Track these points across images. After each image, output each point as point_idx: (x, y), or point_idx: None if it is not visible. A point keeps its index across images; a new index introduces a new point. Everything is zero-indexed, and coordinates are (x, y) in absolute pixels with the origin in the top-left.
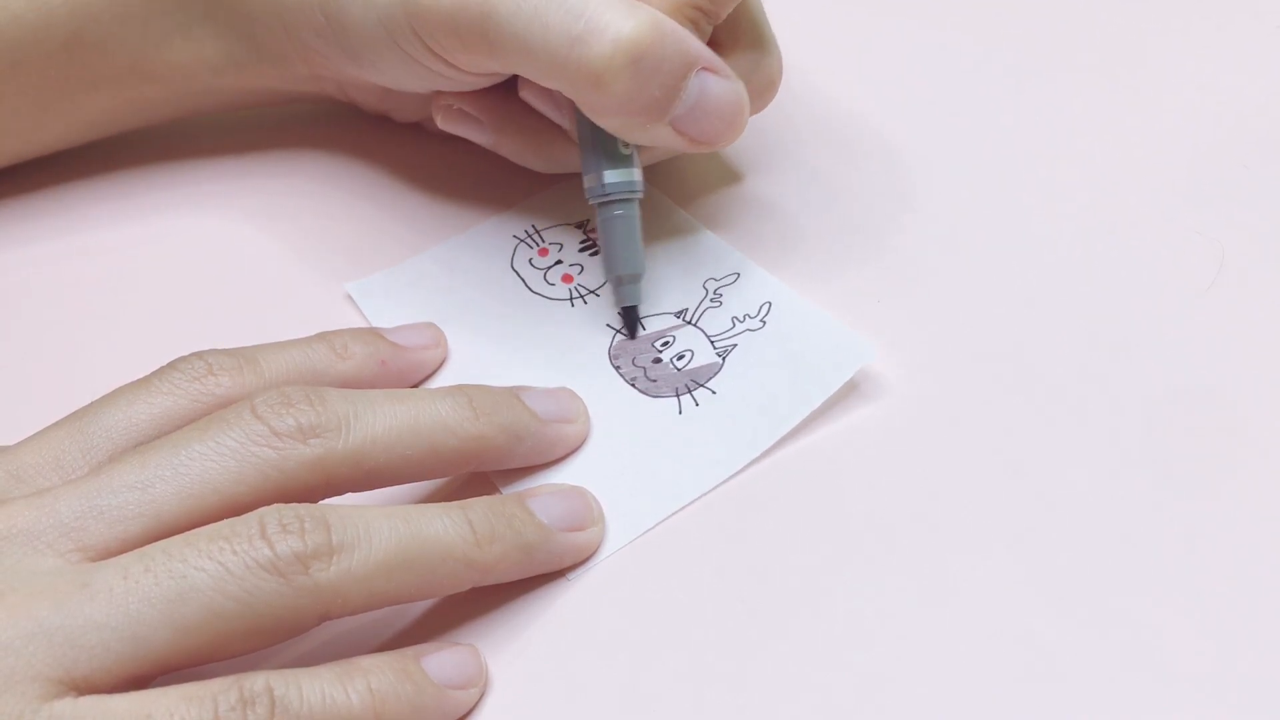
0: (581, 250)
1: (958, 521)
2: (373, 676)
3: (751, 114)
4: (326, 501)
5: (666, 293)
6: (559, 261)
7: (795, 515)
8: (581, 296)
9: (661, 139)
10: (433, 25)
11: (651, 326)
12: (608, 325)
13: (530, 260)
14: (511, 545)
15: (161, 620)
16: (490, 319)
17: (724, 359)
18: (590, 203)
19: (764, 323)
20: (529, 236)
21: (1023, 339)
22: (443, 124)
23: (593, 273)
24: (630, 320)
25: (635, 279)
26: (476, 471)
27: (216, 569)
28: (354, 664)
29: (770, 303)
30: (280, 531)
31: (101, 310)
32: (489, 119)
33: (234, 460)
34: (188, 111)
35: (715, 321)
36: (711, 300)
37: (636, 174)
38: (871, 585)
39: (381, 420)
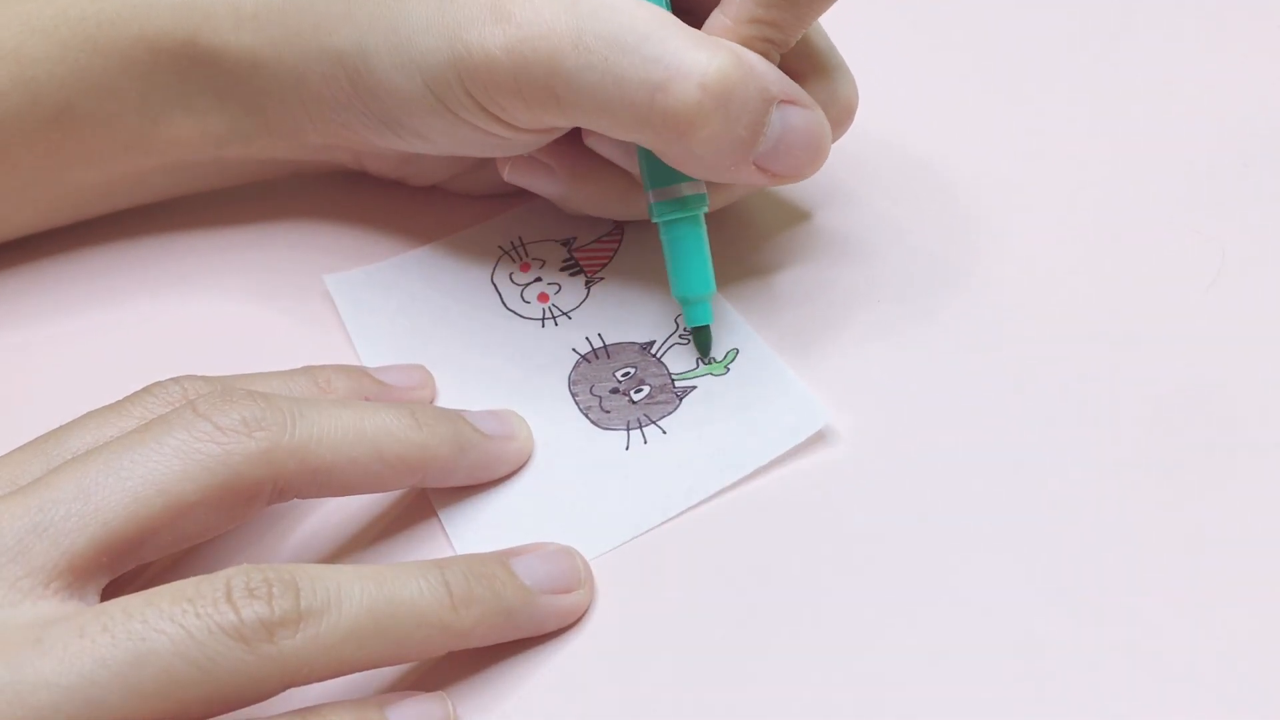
0: (563, 269)
1: (958, 520)
2: None
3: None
4: (298, 564)
5: (635, 323)
6: (538, 279)
7: (786, 530)
8: (554, 318)
9: (744, 178)
10: (490, 85)
11: (616, 356)
12: (573, 350)
13: (511, 275)
14: (490, 609)
15: (116, 684)
16: (458, 332)
17: (680, 399)
18: (654, 221)
19: (727, 370)
20: (513, 249)
21: (1025, 337)
22: (510, 175)
23: (569, 293)
24: (703, 340)
25: (706, 299)
26: (420, 491)
27: (177, 632)
28: (313, 711)
29: (738, 350)
30: (246, 596)
31: (81, 370)
32: (562, 166)
33: (178, 459)
34: (185, 187)
35: (679, 360)
36: (680, 337)
37: (702, 186)
38: (864, 595)
39: (327, 420)
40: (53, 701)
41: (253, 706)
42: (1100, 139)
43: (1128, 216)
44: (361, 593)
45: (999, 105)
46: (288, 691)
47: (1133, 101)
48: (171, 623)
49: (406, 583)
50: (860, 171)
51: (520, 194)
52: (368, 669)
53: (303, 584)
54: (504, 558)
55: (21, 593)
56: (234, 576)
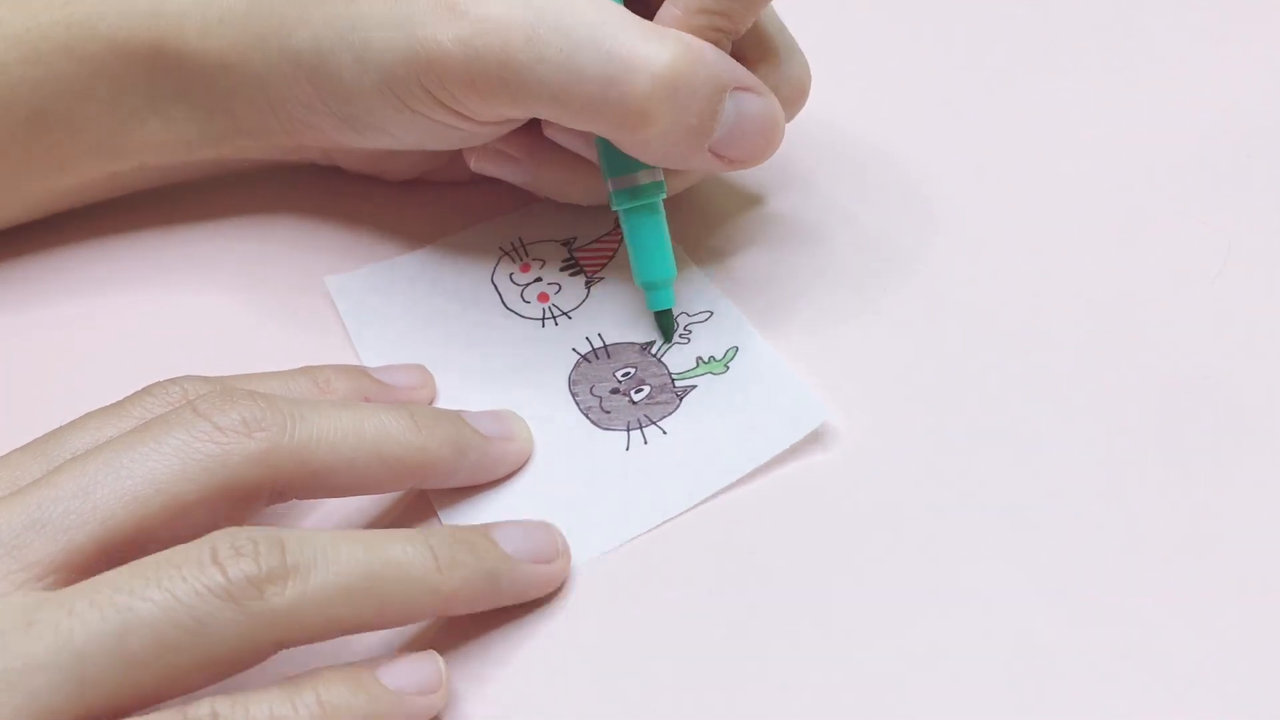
0: (563, 270)
1: (957, 519)
2: (322, 689)
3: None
4: (282, 527)
5: (635, 323)
6: (538, 279)
7: (786, 530)
8: (554, 318)
9: (699, 164)
10: (445, 79)
11: (616, 356)
12: (573, 350)
13: (511, 275)
14: (474, 572)
15: (109, 657)
16: (459, 332)
17: (680, 399)
18: (614, 209)
19: (727, 368)
20: (514, 250)
21: (1031, 329)
22: (477, 166)
23: (569, 293)
24: (666, 324)
25: (667, 284)
26: (420, 491)
27: (165, 598)
28: (304, 678)
29: (737, 348)
30: (233, 555)
31: (79, 373)
32: (527, 156)
33: (178, 458)
34: (158, 184)
35: (680, 359)
36: (680, 336)
37: (659, 174)
38: (864, 595)
39: (327, 420)
40: (49, 683)
41: (246, 678)
42: (1105, 130)
43: (1133, 208)
44: (349, 551)
45: (1001, 101)
46: (281, 668)
47: (1137, 92)
48: (159, 589)
49: (392, 545)
50: (863, 173)
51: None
52: (357, 630)
53: (289, 542)
54: (485, 529)
55: (14, 584)
56: (219, 538)
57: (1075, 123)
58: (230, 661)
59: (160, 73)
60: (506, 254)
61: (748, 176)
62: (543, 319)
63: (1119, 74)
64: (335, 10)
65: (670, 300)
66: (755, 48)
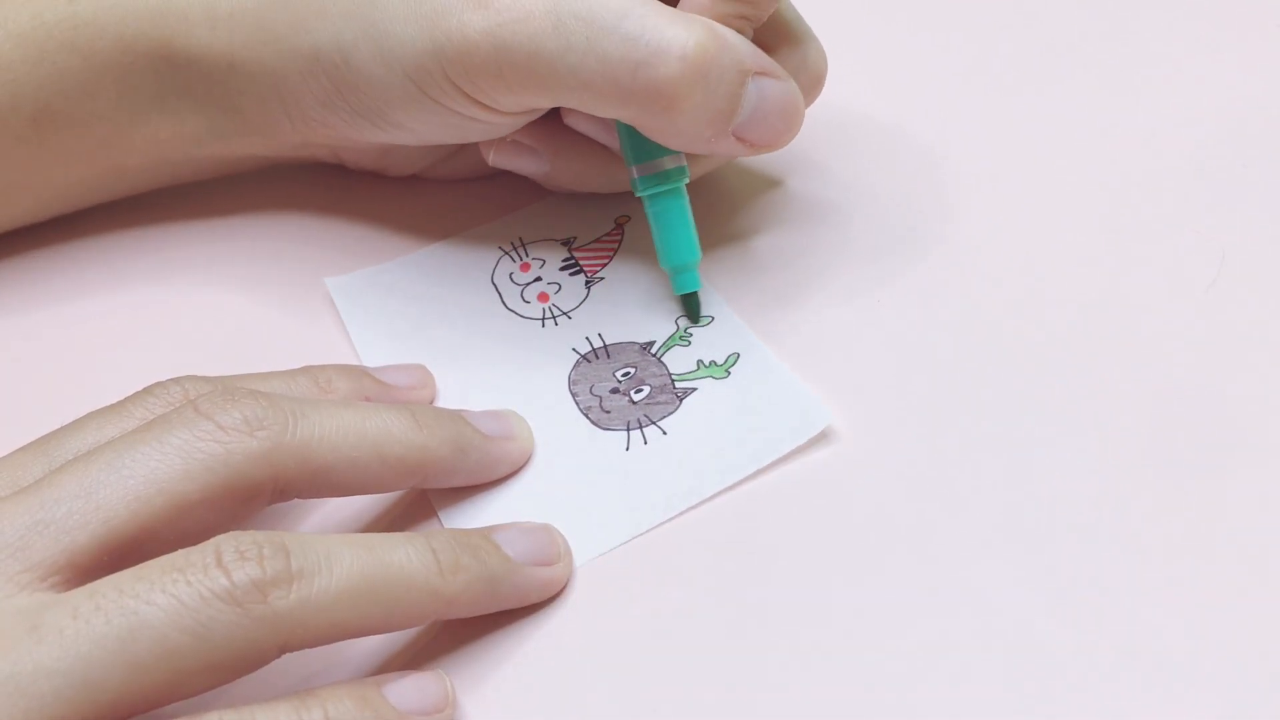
0: (563, 269)
1: (958, 520)
2: (330, 705)
3: None
4: (286, 531)
5: (635, 323)
6: (538, 279)
7: (786, 529)
8: (554, 318)
9: (723, 149)
10: (472, 70)
11: (616, 356)
12: (573, 350)
13: (511, 275)
14: (476, 576)
15: (114, 661)
16: (459, 333)
17: (681, 400)
18: (637, 195)
19: (728, 373)
20: (514, 250)
21: (1022, 338)
22: (495, 160)
23: (569, 293)
24: (693, 307)
25: (693, 266)
26: (420, 491)
27: (170, 602)
28: (311, 693)
29: (739, 354)
30: (237, 559)
31: (80, 373)
32: (545, 146)
33: (179, 458)
34: (164, 182)
35: (680, 361)
36: (681, 339)
37: (682, 158)
38: (865, 594)
39: (328, 420)
40: (54, 688)
41: (251, 686)
42: (1099, 139)
43: (1128, 216)
44: (352, 555)
45: (994, 108)
46: (287, 681)
47: (1132, 100)
48: (163, 593)
49: (395, 549)
50: (860, 183)
51: (499, 175)
52: (360, 634)
53: (292, 547)
54: (486, 532)
55: (19, 585)
56: (223, 542)
57: (1071, 131)
58: (234, 665)
59: (168, 70)
60: (506, 254)
61: (754, 172)
62: (543, 319)
63: (1115, 82)
64: (354, 5)
65: (697, 283)
66: (774, 36)
